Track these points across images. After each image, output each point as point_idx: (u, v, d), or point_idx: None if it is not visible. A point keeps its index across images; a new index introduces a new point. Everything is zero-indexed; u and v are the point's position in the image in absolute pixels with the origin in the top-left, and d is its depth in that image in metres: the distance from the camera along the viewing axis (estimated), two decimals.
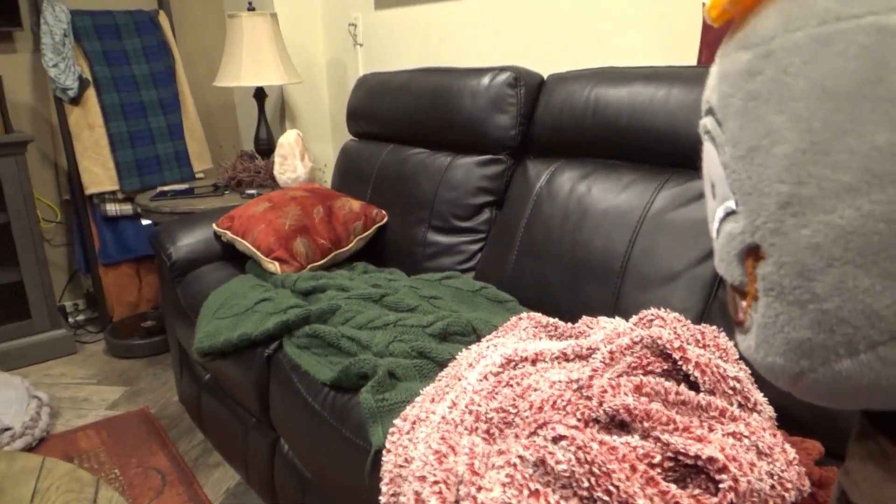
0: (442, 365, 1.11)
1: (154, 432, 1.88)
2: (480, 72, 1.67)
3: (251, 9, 2.45)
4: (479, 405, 0.86)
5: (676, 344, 0.85)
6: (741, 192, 0.29)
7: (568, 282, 1.33)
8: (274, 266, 1.62)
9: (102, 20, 2.55)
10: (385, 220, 1.78)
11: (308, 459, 1.20)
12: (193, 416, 1.78)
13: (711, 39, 1.34)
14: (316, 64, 2.68)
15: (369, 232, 1.75)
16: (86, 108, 2.45)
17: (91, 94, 2.45)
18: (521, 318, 1.16)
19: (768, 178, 0.27)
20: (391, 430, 0.96)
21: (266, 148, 2.44)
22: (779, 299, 0.28)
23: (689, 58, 1.41)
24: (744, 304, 0.32)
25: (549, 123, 1.53)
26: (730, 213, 0.30)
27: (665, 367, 0.86)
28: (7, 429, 1.72)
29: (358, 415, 1.06)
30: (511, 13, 1.83)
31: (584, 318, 1.15)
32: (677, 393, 0.80)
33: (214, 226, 1.82)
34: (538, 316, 1.16)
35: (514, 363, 0.94)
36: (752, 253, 0.29)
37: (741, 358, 0.92)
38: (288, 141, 2.18)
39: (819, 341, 0.27)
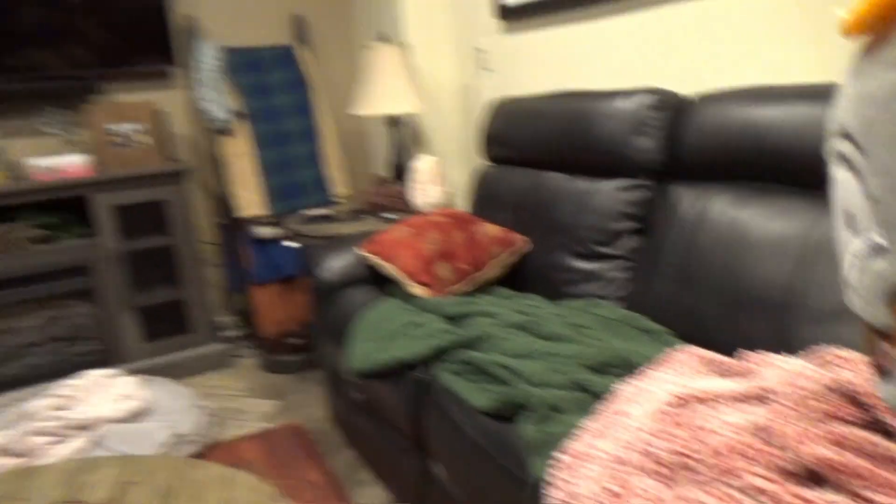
0: (599, 398, 1.10)
1: (306, 446, 1.99)
2: (620, 94, 1.66)
3: (383, 39, 2.56)
4: (652, 445, 0.85)
5: (870, 390, 0.81)
6: (892, 228, 0.27)
7: (724, 314, 1.29)
8: (418, 290, 1.68)
9: (248, 56, 2.76)
10: (527, 246, 1.80)
11: (462, 485, 1.24)
12: (344, 433, 1.87)
13: None
14: (445, 90, 2.75)
15: (510, 257, 1.78)
16: (238, 138, 2.65)
17: (241, 124, 2.65)
18: (679, 352, 1.14)
19: None
20: (553, 463, 0.97)
21: (399, 173, 2.53)
22: None
23: None
24: (886, 346, 0.30)
25: (698, 146, 1.49)
26: (875, 250, 0.29)
27: (858, 416, 0.81)
28: (180, 435, 1.89)
29: (516, 444, 1.08)
30: (649, 32, 1.80)
31: (746, 353, 1.11)
32: (873, 444, 0.75)
33: (360, 250, 1.91)
34: (698, 350, 1.13)
35: (683, 401, 0.93)
36: None
37: None
38: (426, 166, 2.25)
39: None
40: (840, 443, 0.74)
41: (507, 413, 1.13)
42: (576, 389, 1.13)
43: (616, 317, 1.42)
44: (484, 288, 1.77)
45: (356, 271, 1.95)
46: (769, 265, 1.24)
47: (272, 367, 2.60)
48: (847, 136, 0.31)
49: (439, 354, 1.36)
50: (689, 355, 1.12)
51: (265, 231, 2.56)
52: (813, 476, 0.74)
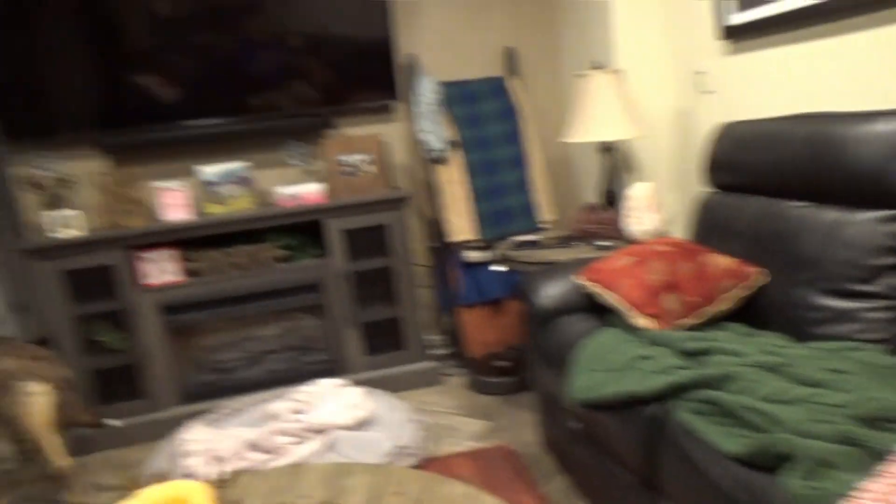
0: (878, 456, 0.99)
1: (518, 468, 2.02)
2: (878, 115, 1.50)
3: (597, 67, 2.56)
4: None
5: None
6: None
7: None
8: (644, 322, 1.64)
9: (462, 88, 2.91)
10: (764, 279, 1.68)
11: None
12: (558, 459, 1.87)
13: None
14: (661, 116, 2.68)
15: (744, 291, 1.67)
16: (451, 167, 2.80)
17: (455, 153, 2.80)
18: None
19: None
20: None
21: (612, 200, 2.50)
22: None
23: None
24: None
25: None
26: None
27: None
28: (403, 446, 2.01)
29: (774, 497, 1.00)
30: (891, 48, 1.61)
31: None
32: None
33: (577, 277, 1.91)
34: None
35: None
36: None
37: None
38: (641, 193, 2.21)
39: None
40: None
41: (764, 462, 1.05)
42: (847, 443, 1.02)
43: (882, 363, 1.27)
44: (714, 322, 1.68)
45: (572, 299, 1.95)
46: None
47: (480, 388, 2.68)
48: None
49: (676, 392, 1.31)
50: None
51: (475, 255, 2.66)
52: None
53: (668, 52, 2.63)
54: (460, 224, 2.76)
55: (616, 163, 2.71)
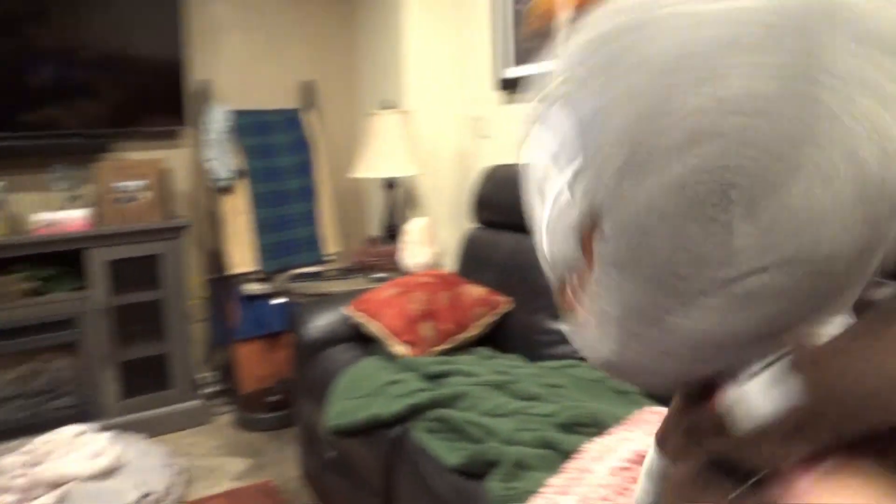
0: (567, 456, 1.09)
1: None
2: None
3: (386, 107, 2.67)
4: (609, 499, 0.85)
5: None
6: (581, 169, 0.32)
7: None
8: (401, 349, 1.69)
9: (256, 118, 2.86)
10: (509, 306, 1.82)
11: None
12: (315, 491, 1.83)
13: None
14: (441, 156, 2.84)
15: (493, 318, 1.79)
16: (236, 196, 2.72)
17: (242, 183, 2.72)
18: (647, 412, 1.14)
19: (605, 147, 0.30)
20: None
21: (393, 234, 2.58)
22: (616, 267, 0.30)
23: None
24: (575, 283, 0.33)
25: None
26: (575, 175, 0.32)
27: None
28: (148, 494, 1.85)
29: (482, 500, 1.07)
30: None
31: None
32: None
33: (347, 308, 1.93)
34: (665, 410, 1.13)
35: (642, 458, 0.92)
36: (590, 229, 0.31)
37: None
38: (416, 227, 2.30)
39: (652, 300, 0.30)
40: None
41: (477, 470, 1.12)
42: (544, 447, 1.12)
43: (591, 377, 1.42)
44: (466, 348, 1.77)
45: (341, 330, 1.96)
46: None
47: (249, 425, 2.57)
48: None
49: (415, 413, 1.35)
50: (657, 415, 1.12)
51: (254, 287, 2.59)
52: None
53: (453, 98, 2.81)
54: (241, 255, 2.68)
55: (399, 198, 2.81)
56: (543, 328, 1.69)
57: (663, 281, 0.29)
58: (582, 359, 1.59)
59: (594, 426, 1.21)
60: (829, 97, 0.27)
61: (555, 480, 1.01)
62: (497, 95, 2.50)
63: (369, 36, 3.13)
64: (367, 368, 1.63)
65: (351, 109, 3.25)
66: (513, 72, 2.37)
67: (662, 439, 0.44)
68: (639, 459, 0.93)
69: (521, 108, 2.38)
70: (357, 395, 1.53)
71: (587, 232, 0.32)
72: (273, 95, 3.06)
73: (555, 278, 0.38)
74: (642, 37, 0.29)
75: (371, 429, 1.42)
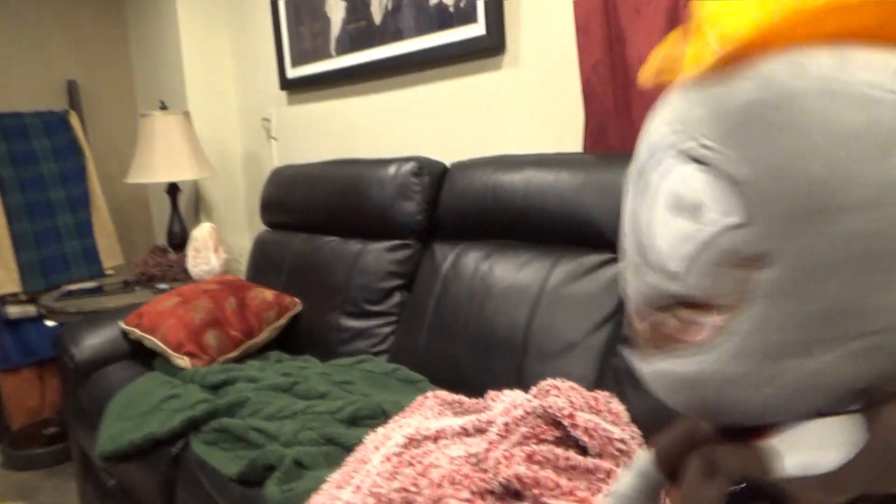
0: (350, 450, 1.11)
1: None
2: (386, 162, 1.76)
3: (163, 108, 2.50)
4: (381, 487, 0.87)
5: (566, 412, 0.90)
6: (758, 205, 0.33)
7: (475, 358, 1.38)
8: (184, 361, 1.59)
9: (10, 122, 2.53)
10: (298, 308, 1.79)
11: None
12: None
13: (593, 129, 1.47)
14: (231, 158, 2.72)
15: (282, 321, 1.76)
16: None
17: None
18: (426, 397, 1.19)
19: (792, 193, 0.32)
20: None
21: (180, 242, 2.43)
22: (776, 304, 0.32)
23: (574, 146, 1.54)
24: (715, 319, 0.35)
25: (453, 208, 1.61)
26: (732, 227, 0.34)
27: (558, 435, 0.90)
28: None
29: None
30: (415, 107, 1.95)
31: (490, 392, 1.19)
32: (567, 458, 0.84)
33: (122, 323, 1.78)
34: (444, 393, 1.19)
35: (416, 442, 0.96)
36: (750, 263, 0.33)
37: (627, 416, 0.97)
38: (202, 234, 2.18)
39: (801, 340, 0.32)
40: (536, 461, 0.82)
41: (257, 477, 1.09)
42: (328, 444, 1.12)
43: (381, 370, 1.45)
44: (258, 353, 1.72)
45: (119, 348, 1.80)
46: (511, 312, 1.36)
47: (20, 464, 2.27)
48: (693, 137, 0.35)
49: (195, 426, 1.28)
50: (434, 399, 1.18)
51: (15, 310, 2.29)
52: (512, 493, 0.80)
53: (239, 98, 2.70)
54: (0, 275, 2.35)
55: (185, 204, 2.65)
56: (335, 326, 1.70)
57: (816, 323, 0.32)
58: (375, 353, 1.64)
59: (380, 417, 1.23)
60: None
61: (335, 475, 1.02)
62: (283, 95, 2.46)
63: (142, 33, 2.92)
64: (145, 386, 1.51)
65: (128, 112, 3.00)
66: (293, 72, 2.34)
67: (664, 457, 0.45)
68: (410, 443, 0.97)
69: (308, 109, 2.36)
70: (132, 415, 1.42)
71: (743, 269, 0.34)
72: (34, 96, 2.73)
73: (649, 308, 0.37)
74: (827, 104, 0.32)
75: (148, 449, 1.33)
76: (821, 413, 0.34)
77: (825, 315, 0.31)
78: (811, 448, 0.34)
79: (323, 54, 2.20)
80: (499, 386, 1.31)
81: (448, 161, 1.72)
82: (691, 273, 0.35)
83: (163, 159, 2.34)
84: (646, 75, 0.38)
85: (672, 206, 0.36)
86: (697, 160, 0.35)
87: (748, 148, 0.33)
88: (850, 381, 0.32)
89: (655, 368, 0.37)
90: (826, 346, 0.31)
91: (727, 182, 0.34)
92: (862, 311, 0.31)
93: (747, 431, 0.37)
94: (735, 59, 0.35)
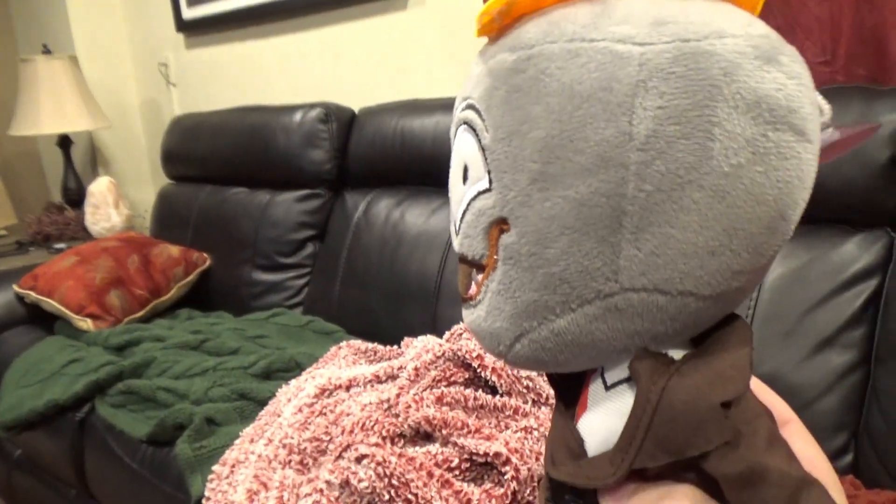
0: (264, 404, 1.10)
1: None
2: (292, 109, 1.70)
3: (47, 52, 2.30)
4: (293, 437, 0.87)
5: (475, 353, 0.92)
6: (497, 171, 0.33)
7: (389, 307, 1.38)
8: (86, 323, 1.52)
9: None
10: (207, 263, 1.74)
11: None
12: (6, 497, 1.61)
13: None
14: (128, 106, 2.56)
15: (191, 277, 1.70)
16: None
17: None
18: (340, 347, 1.19)
19: (523, 158, 0.32)
20: (210, 477, 0.94)
21: (76, 198, 2.29)
22: (515, 266, 0.33)
23: None
24: (479, 277, 0.36)
25: (362, 155, 1.59)
26: (482, 192, 0.34)
27: (467, 377, 0.92)
28: None
29: (177, 468, 1.03)
30: (322, 50, 1.88)
31: (406, 339, 1.20)
32: (475, 399, 0.86)
33: (15, 286, 1.68)
34: (357, 343, 1.20)
35: (328, 392, 0.97)
36: (498, 225, 0.34)
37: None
38: (99, 189, 2.06)
39: (542, 301, 0.32)
40: (445, 402, 0.84)
41: (168, 437, 1.07)
42: (240, 399, 1.11)
43: (296, 323, 1.44)
44: (167, 312, 1.66)
45: (15, 313, 1.70)
46: (423, 259, 1.36)
47: None
48: (471, 106, 0.35)
49: (100, 389, 1.24)
50: (348, 348, 1.18)
51: None
52: (423, 435, 0.82)
53: (133, 41, 2.52)
54: None
55: (81, 158, 2.49)
56: (248, 280, 1.66)
57: (554, 286, 0.32)
58: (289, 306, 1.61)
59: (294, 370, 1.23)
60: (719, 151, 0.29)
61: (247, 430, 1.01)
62: (181, 38, 2.31)
63: None
64: (44, 350, 1.44)
65: (5, 56, 2.75)
66: (190, 12, 2.20)
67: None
68: (322, 393, 0.97)
69: (208, 52, 2.24)
70: (33, 381, 1.35)
71: (495, 231, 0.33)
72: None
73: (462, 268, 0.37)
74: (567, 65, 0.31)
75: (52, 416, 1.27)
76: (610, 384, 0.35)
77: (559, 278, 0.32)
78: (603, 426, 0.34)
79: None
80: (413, 333, 1.32)
81: (356, 107, 1.68)
82: (461, 232, 0.37)
83: (50, 109, 2.17)
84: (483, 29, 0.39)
85: (455, 168, 0.38)
86: (467, 122, 0.36)
87: (493, 113, 0.33)
88: (604, 341, 0.33)
89: (465, 316, 0.39)
90: (564, 307, 0.32)
91: (479, 146, 0.34)
92: (592, 275, 0.31)
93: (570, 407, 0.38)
94: (504, 24, 0.35)
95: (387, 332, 1.37)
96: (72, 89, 2.20)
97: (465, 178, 0.36)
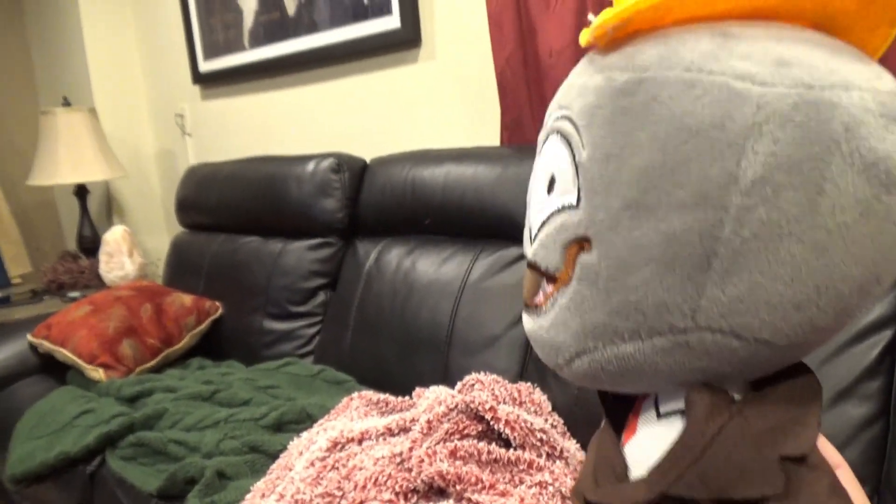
0: (275, 457, 1.09)
1: None
2: (305, 159, 1.73)
3: (66, 104, 2.37)
4: (305, 493, 0.87)
5: (488, 405, 0.92)
6: (588, 190, 0.32)
7: (401, 355, 1.38)
8: (98, 373, 1.53)
9: None
10: (219, 311, 1.75)
11: None
12: None
13: (508, 122, 1.49)
14: (144, 156, 2.61)
15: (203, 326, 1.71)
16: None
17: None
18: (352, 398, 1.18)
19: (619, 182, 0.31)
20: None
21: (91, 246, 2.32)
22: (591, 286, 0.32)
23: (493, 139, 1.55)
24: (550, 288, 0.35)
25: (374, 204, 1.60)
26: (567, 207, 0.33)
27: (481, 429, 0.92)
28: None
29: None
30: (334, 102, 1.92)
31: (417, 389, 1.19)
32: (489, 452, 0.85)
33: (29, 336, 1.69)
34: (369, 393, 1.19)
35: (340, 445, 0.96)
36: (578, 243, 0.33)
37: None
38: (114, 237, 2.09)
39: (612, 326, 0.32)
40: (459, 456, 0.83)
41: (177, 491, 1.06)
42: (251, 452, 1.10)
43: (307, 373, 1.43)
44: (178, 361, 1.67)
45: (28, 362, 1.71)
46: (434, 308, 1.36)
47: None
48: (568, 118, 0.34)
49: (111, 441, 1.23)
50: (360, 399, 1.17)
51: None
52: (436, 490, 0.81)
53: (150, 93, 2.59)
54: None
55: (96, 207, 2.53)
56: (258, 329, 1.66)
57: (627, 313, 0.31)
58: (300, 355, 1.61)
59: (305, 421, 1.22)
60: (827, 207, 0.28)
61: (258, 484, 1.00)
62: (196, 90, 2.37)
63: (42, 24, 2.75)
64: (56, 401, 1.44)
65: (27, 109, 2.83)
66: (206, 65, 2.26)
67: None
68: (334, 447, 0.96)
69: (223, 104, 2.29)
70: (44, 433, 1.35)
71: (574, 248, 0.32)
72: None
73: (531, 275, 0.37)
74: (681, 95, 0.30)
75: (62, 469, 1.27)
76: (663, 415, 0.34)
77: (634, 306, 0.31)
78: (649, 452, 0.33)
79: (236, 47, 2.13)
80: (425, 382, 1.31)
81: (367, 157, 1.71)
82: (537, 241, 0.36)
83: (68, 159, 2.22)
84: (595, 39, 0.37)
85: (541, 176, 0.37)
86: (562, 133, 0.35)
87: (593, 131, 0.32)
88: (665, 372, 0.32)
89: (526, 323, 0.38)
90: (634, 335, 0.31)
91: (573, 161, 0.33)
92: (669, 310, 0.30)
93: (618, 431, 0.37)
94: (617, 37, 0.33)
95: (398, 381, 1.36)
96: (90, 140, 2.26)
97: (550, 188, 0.35)
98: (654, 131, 0.31)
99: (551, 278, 0.36)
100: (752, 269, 0.29)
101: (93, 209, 2.48)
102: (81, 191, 2.35)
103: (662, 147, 0.30)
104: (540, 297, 0.36)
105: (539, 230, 0.37)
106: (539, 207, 0.37)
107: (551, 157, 0.36)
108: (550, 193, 0.36)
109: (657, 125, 0.30)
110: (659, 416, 0.35)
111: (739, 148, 0.29)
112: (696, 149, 0.29)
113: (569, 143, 0.34)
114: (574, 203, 0.33)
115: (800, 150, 0.28)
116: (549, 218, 0.35)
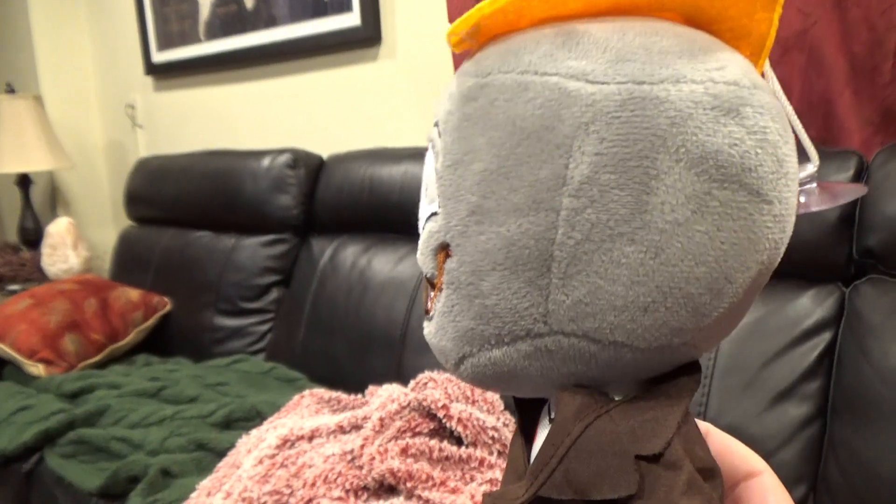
0: (223, 455, 1.07)
1: None
2: (261, 154, 1.70)
3: (10, 91, 2.28)
4: (252, 491, 0.85)
5: (440, 403, 0.92)
6: (444, 197, 0.32)
7: (354, 354, 1.37)
8: (38, 369, 1.47)
9: None
10: (168, 307, 1.70)
11: None
12: None
13: None
14: (92, 147, 2.53)
15: (150, 322, 1.66)
16: None
17: None
18: (303, 396, 1.17)
19: (464, 189, 0.31)
20: None
21: (34, 239, 2.23)
22: (456, 292, 0.32)
23: None
24: (432, 294, 0.36)
25: (330, 201, 1.59)
26: (433, 214, 0.33)
27: (433, 427, 0.92)
28: None
29: None
30: (291, 98, 1.90)
31: (370, 387, 1.19)
32: (440, 450, 0.85)
33: None
34: (320, 391, 1.18)
35: (290, 442, 0.94)
36: (443, 250, 0.33)
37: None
38: (58, 230, 2.02)
39: (479, 331, 0.31)
40: (410, 454, 0.83)
41: (119, 490, 1.03)
42: (198, 450, 1.08)
43: (258, 370, 1.41)
44: (124, 357, 1.62)
45: None
46: (388, 306, 1.36)
47: None
48: (436, 124, 0.34)
49: (50, 439, 1.19)
50: (311, 397, 1.16)
51: None
52: (387, 487, 0.81)
53: (100, 82, 2.51)
54: None
55: (40, 197, 2.44)
56: (209, 325, 1.63)
57: (488, 318, 0.31)
58: (252, 352, 1.59)
59: (255, 419, 1.20)
60: (656, 206, 0.28)
61: (205, 482, 0.98)
62: (149, 81, 2.31)
63: None
64: None
65: None
66: (159, 56, 2.21)
67: None
68: (284, 444, 0.95)
69: (177, 96, 2.24)
70: None
71: (441, 255, 0.32)
72: None
73: (424, 282, 0.36)
74: (515, 98, 0.29)
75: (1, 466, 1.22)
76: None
77: (492, 311, 0.31)
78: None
79: (191, 38, 2.09)
80: (378, 380, 1.31)
81: (324, 154, 1.69)
82: (419, 249, 0.37)
83: (10, 148, 2.14)
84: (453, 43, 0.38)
85: (423, 184, 0.38)
86: (432, 142, 0.34)
87: (444, 138, 0.33)
88: (537, 377, 0.32)
89: (425, 331, 0.39)
90: (499, 340, 0.31)
91: (435, 168, 0.34)
92: (521, 315, 0.30)
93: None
94: (478, 37, 0.33)
95: (351, 379, 1.35)
96: (34, 129, 2.18)
97: (424, 196, 0.36)
98: (491, 136, 0.30)
99: (432, 285, 0.37)
100: (589, 272, 0.29)
101: (36, 200, 2.39)
102: (24, 181, 2.26)
103: (498, 151, 0.30)
104: (429, 304, 0.37)
105: (420, 239, 0.38)
106: (420, 215, 0.38)
107: (426, 165, 0.37)
108: (423, 201, 0.37)
109: (494, 130, 0.30)
110: (550, 420, 0.36)
111: (567, 149, 0.29)
112: (527, 152, 0.29)
113: (435, 150, 0.34)
114: (437, 210, 0.33)
115: (625, 149, 0.28)
116: (424, 225, 0.37)
